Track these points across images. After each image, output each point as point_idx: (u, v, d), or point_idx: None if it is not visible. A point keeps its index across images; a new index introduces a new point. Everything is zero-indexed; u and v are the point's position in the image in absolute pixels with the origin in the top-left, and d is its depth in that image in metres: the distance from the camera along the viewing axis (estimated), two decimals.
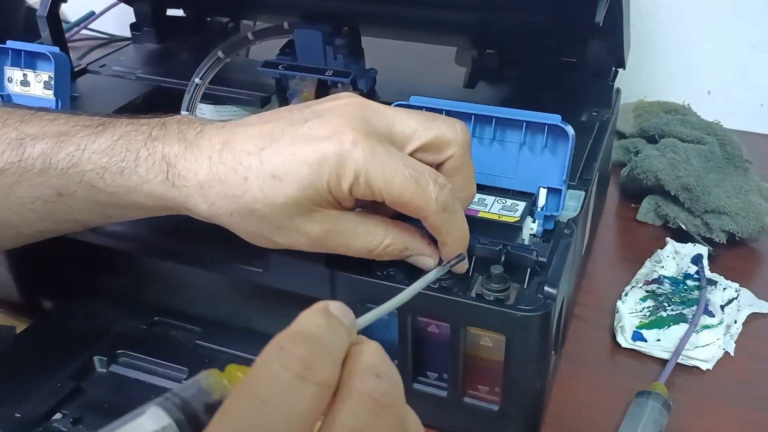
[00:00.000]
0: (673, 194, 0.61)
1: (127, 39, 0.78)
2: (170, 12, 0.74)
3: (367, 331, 0.27)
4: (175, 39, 0.73)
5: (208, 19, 0.75)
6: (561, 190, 0.42)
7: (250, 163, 0.35)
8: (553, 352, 0.44)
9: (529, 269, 0.39)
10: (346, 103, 0.36)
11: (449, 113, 0.43)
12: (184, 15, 0.75)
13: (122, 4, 0.80)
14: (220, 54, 0.56)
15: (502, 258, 0.39)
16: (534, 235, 0.42)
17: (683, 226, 0.61)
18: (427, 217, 0.35)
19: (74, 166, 0.38)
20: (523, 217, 0.42)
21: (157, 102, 0.63)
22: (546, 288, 0.38)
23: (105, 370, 0.48)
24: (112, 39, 0.97)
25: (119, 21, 0.90)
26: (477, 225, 0.41)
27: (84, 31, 0.93)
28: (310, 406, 0.22)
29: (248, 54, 0.74)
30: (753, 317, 0.53)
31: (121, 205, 0.39)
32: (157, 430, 0.24)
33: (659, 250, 0.59)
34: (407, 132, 0.37)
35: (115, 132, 0.39)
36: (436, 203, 0.35)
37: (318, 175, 0.34)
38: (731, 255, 0.59)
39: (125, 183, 0.38)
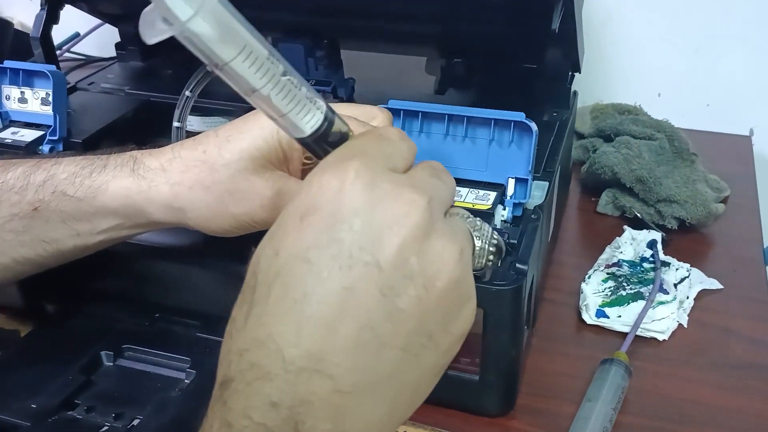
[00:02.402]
0: (628, 186, 0.67)
1: (106, 59, 0.81)
2: None
3: None
4: (158, 57, 0.77)
5: None
6: (527, 179, 0.47)
7: (208, 138, 0.41)
8: (525, 327, 0.48)
9: None
10: None
11: (425, 114, 0.48)
12: None
13: (104, 26, 0.84)
14: (208, 68, 0.60)
15: None
16: (505, 221, 0.47)
17: (638, 215, 0.66)
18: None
19: (50, 178, 0.43)
20: (494, 205, 0.47)
21: (147, 115, 0.66)
22: (517, 265, 0.43)
23: (112, 364, 0.51)
24: (90, 60, 1.00)
25: (97, 42, 0.94)
26: None
27: (65, 54, 0.96)
28: (409, 151, 0.32)
29: None
30: (703, 293, 0.59)
31: (89, 213, 0.43)
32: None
33: (618, 238, 0.65)
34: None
35: (89, 153, 0.44)
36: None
37: (265, 131, 0.40)
38: (682, 239, 0.65)
39: (92, 184, 0.43)
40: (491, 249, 0.33)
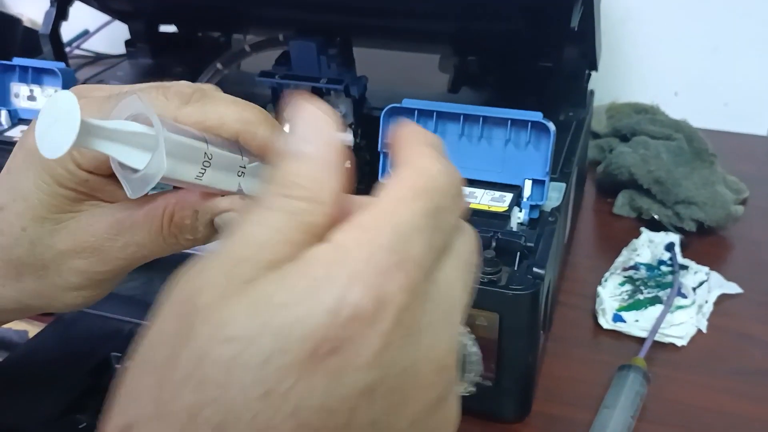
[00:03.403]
0: (645, 187, 0.65)
1: (116, 57, 0.81)
2: (163, 28, 0.77)
3: None
4: (168, 54, 0.76)
5: (200, 34, 0.78)
6: (544, 181, 0.46)
7: None
8: (541, 332, 0.47)
9: (518, 253, 0.43)
10: None
11: (440, 114, 0.47)
12: (177, 31, 0.78)
13: (113, 23, 0.83)
14: (218, 66, 0.60)
15: (494, 244, 0.43)
16: (521, 223, 0.46)
17: (656, 217, 0.65)
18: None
19: None
20: (510, 207, 0.46)
21: None
22: (535, 269, 0.42)
23: (122, 366, 0.51)
24: (99, 57, 0.99)
25: (107, 40, 0.93)
26: (469, 214, 0.45)
27: (74, 51, 0.96)
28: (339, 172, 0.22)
29: (239, 67, 0.77)
30: (722, 297, 0.58)
31: None
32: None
33: (635, 240, 0.63)
34: None
35: None
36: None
37: (29, 173, 0.30)
38: (701, 242, 0.64)
39: None
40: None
